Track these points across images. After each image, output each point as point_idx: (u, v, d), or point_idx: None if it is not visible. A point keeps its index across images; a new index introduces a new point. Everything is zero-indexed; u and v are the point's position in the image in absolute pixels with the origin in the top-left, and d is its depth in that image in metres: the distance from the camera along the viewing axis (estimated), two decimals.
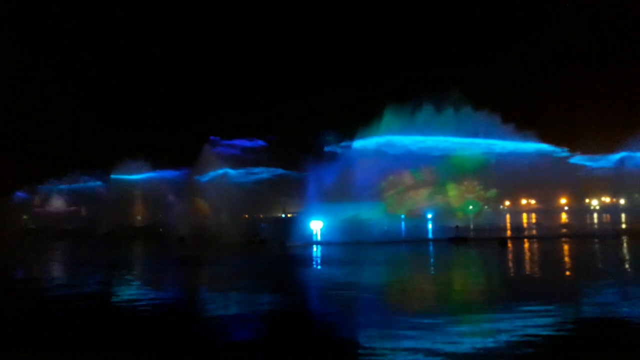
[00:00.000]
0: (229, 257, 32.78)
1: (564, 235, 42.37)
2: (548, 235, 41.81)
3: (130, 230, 63.72)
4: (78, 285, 21.28)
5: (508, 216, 77.11)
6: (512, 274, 22.09)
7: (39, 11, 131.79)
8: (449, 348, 10.29)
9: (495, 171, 51.18)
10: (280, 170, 63.11)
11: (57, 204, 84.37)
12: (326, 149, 51.73)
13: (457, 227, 43.43)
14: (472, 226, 52.88)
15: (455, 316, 13.45)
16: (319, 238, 40.73)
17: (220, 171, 59.45)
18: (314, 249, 35.99)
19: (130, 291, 19.30)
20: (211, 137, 59.96)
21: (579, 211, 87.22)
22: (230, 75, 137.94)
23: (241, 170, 61.00)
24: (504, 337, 10.96)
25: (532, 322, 12.14)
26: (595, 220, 67.12)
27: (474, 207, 57.45)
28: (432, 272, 24.46)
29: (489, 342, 10.65)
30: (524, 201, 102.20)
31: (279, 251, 34.64)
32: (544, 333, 11.27)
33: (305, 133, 67.31)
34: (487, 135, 49.41)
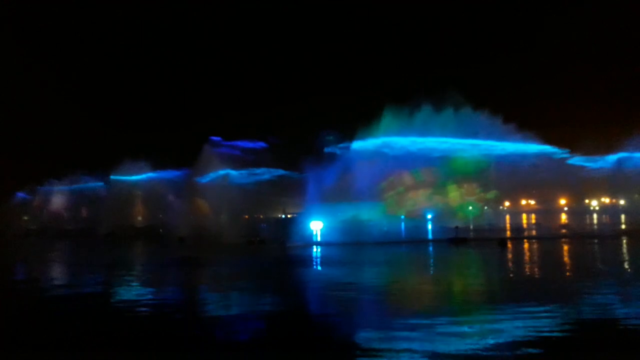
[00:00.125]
0: (229, 257, 32.83)
1: (564, 236, 42.43)
2: (548, 236, 41.85)
3: (130, 231, 63.77)
4: (78, 286, 21.34)
5: (508, 217, 77.16)
6: (511, 275, 22.12)
7: (39, 11, 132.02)
8: (449, 348, 10.32)
9: (495, 173, 51.19)
10: (281, 171, 63.10)
11: (58, 204, 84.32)
12: (326, 149, 51.71)
13: (456, 227, 43.47)
14: (471, 227, 52.92)
15: (455, 317, 13.47)
16: (318, 239, 40.78)
17: (222, 172, 59.42)
18: (314, 249, 36.02)
19: (130, 291, 19.34)
20: (213, 138, 59.81)
21: (579, 212, 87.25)
22: (230, 75, 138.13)
23: (243, 171, 60.95)
24: (503, 338, 10.99)
25: (532, 323, 12.16)
26: (595, 221, 67.18)
27: (473, 209, 57.51)
28: (432, 273, 24.50)
29: (489, 343, 10.68)
30: (523, 202, 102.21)
31: (279, 252, 34.68)
32: (544, 333, 11.29)
33: (305, 134, 67.28)
34: (487, 136, 49.41)
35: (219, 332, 12.49)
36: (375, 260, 29.03)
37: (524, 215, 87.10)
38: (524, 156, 49.82)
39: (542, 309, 13.80)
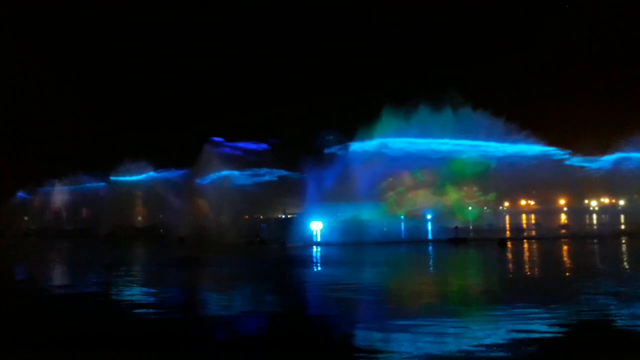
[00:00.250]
0: (229, 257, 32.85)
1: (563, 236, 42.44)
2: (547, 236, 41.86)
3: (130, 231, 63.70)
4: (78, 286, 21.37)
5: (507, 217, 77.16)
6: (511, 275, 22.14)
7: (39, 11, 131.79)
8: (448, 349, 10.34)
9: (494, 174, 51.18)
10: (282, 172, 63.12)
11: (58, 204, 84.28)
12: (326, 150, 51.74)
13: (456, 227, 43.48)
14: (471, 227, 52.94)
15: (455, 317, 13.48)
16: (318, 239, 40.79)
17: (224, 173, 59.44)
18: (314, 249, 36.05)
19: (130, 291, 19.36)
20: (215, 139, 59.74)
21: (578, 212, 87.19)
22: (231, 75, 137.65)
23: (245, 172, 60.99)
24: (503, 338, 11.01)
25: (532, 323, 12.17)
26: (595, 221, 67.18)
27: (473, 211, 57.54)
28: (431, 273, 24.52)
29: (489, 343, 10.69)
30: (523, 202, 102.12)
31: (279, 252, 34.71)
32: (544, 334, 11.31)
33: (305, 134, 67.14)
34: (486, 136, 49.40)
35: (219, 332, 12.52)
36: (375, 260, 29.06)
37: (524, 216, 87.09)
38: (523, 157, 49.83)
39: (541, 309, 13.80)
